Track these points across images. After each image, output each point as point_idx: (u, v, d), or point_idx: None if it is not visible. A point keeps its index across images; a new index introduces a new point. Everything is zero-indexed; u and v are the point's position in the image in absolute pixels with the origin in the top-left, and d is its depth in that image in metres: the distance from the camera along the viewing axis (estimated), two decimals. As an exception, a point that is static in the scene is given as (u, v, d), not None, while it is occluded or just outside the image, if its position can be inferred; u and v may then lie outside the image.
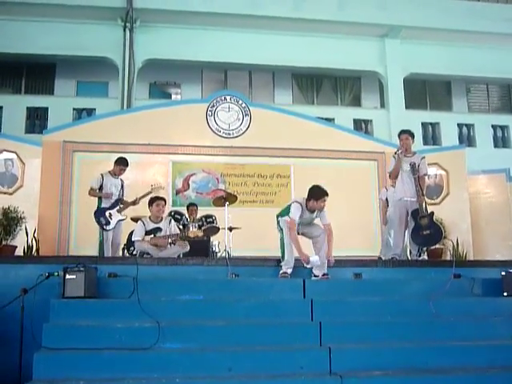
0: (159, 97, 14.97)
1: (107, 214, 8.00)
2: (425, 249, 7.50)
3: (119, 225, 8.02)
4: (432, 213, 7.23)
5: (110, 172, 8.23)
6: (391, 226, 8.26)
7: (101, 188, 8.08)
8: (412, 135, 7.54)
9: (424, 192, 7.31)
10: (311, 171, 11.39)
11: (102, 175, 8.14)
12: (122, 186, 8.31)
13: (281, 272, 6.10)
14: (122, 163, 8.25)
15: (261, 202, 11.62)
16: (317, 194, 6.38)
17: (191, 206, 9.44)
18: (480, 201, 11.70)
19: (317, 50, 14.73)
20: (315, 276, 6.12)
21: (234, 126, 11.76)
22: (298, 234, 6.43)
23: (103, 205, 8.07)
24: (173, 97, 15.59)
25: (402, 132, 7.59)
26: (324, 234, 6.37)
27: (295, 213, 6.25)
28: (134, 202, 8.04)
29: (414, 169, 7.16)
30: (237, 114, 11.83)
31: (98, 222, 7.98)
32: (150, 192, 8.21)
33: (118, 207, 8.08)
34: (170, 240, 7.21)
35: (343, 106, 15.98)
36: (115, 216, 7.98)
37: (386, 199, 8.81)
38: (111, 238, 7.98)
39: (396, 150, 7.53)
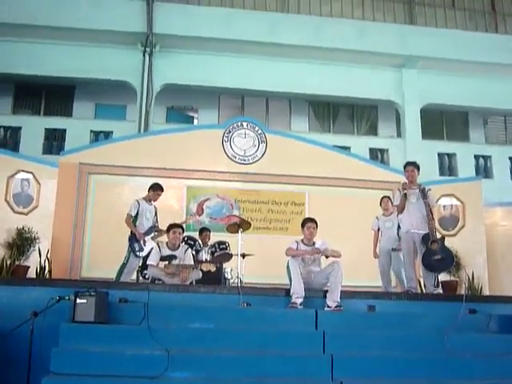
0: (176, 121, 15.05)
1: (141, 240, 7.98)
2: (440, 281, 7.37)
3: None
4: (443, 237, 7.21)
5: (144, 198, 8.23)
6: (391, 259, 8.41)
7: (137, 215, 8.07)
8: (417, 167, 7.51)
9: (433, 217, 7.27)
10: (326, 199, 11.38)
11: (137, 201, 8.13)
12: (156, 213, 8.32)
13: (290, 302, 6.03)
14: (158, 188, 8.27)
15: (275, 229, 11.55)
16: (302, 222, 6.83)
17: (204, 232, 9.38)
18: (496, 233, 11.55)
19: (334, 79, 14.78)
20: (328, 307, 6.02)
21: (250, 152, 11.77)
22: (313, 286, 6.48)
23: (138, 229, 8.03)
24: (190, 122, 15.66)
25: (408, 164, 7.59)
26: (336, 266, 6.26)
27: (291, 245, 6.64)
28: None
29: (424, 193, 7.13)
30: (253, 141, 11.85)
31: (131, 246, 7.93)
32: (185, 222, 8.26)
33: (152, 234, 8.07)
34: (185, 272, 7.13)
35: (359, 134, 15.96)
36: (149, 243, 7.95)
37: (378, 229, 8.75)
38: (135, 264, 7.95)
39: (401, 185, 7.50)
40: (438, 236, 7.20)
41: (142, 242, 7.94)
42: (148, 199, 8.24)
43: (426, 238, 7.03)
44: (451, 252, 7.25)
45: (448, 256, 7.09)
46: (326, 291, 6.21)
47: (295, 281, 6.12)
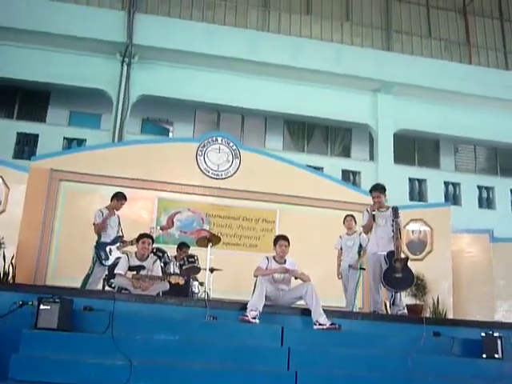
0: (151, 133, 15.01)
1: (107, 249, 7.92)
2: (403, 303, 7.43)
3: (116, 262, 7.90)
4: (407, 257, 7.24)
5: (107, 207, 8.18)
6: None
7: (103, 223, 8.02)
8: (383, 191, 7.48)
9: (400, 236, 7.31)
10: (297, 218, 11.40)
11: (100, 210, 8.09)
12: (119, 223, 8.28)
13: (243, 314, 5.85)
14: (122, 197, 8.25)
15: (244, 246, 11.53)
16: (275, 239, 6.80)
17: (184, 248, 9.32)
18: (462, 260, 11.70)
19: (310, 99, 14.95)
20: (320, 325, 5.88)
21: (223, 167, 11.77)
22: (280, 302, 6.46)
23: (104, 239, 7.99)
24: (165, 134, 15.62)
25: (373, 189, 7.53)
26: (310, 288, 6.19)
27: (261, 264, 6.61)
28: (132, 243, 7.79)
29: (396, 212, 7.18)
30: (227, 156, 11.85)
31: (98, 255, 7.87)
32: (151, 232, 8.21)
33: (118, 244, 8.01)
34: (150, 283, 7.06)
35: (333, 155, 16.12)
36: (115, 252, 7.90)
37: (341, 248, 8.74)
38: (101, 274, 7.87)
39: (369, 206, 7.53)
40: (403, 256, 7.25)
41: (108, 251, 7.90)
42: (111, 208, 8.20)
43: (391, 256, 7.09)
44: (412, 272, 7.29)
45: (408, 276, 7.14)
46: (295, 309, 6.22)
47: (256, 295, 6.00)
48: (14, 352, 4.59)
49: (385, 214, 7.34)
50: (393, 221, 7.16)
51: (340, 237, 8.83)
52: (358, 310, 7.89)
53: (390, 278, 7.02)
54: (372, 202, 7.51)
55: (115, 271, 7.10)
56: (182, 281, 7.14)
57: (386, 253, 7.14)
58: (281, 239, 6.73)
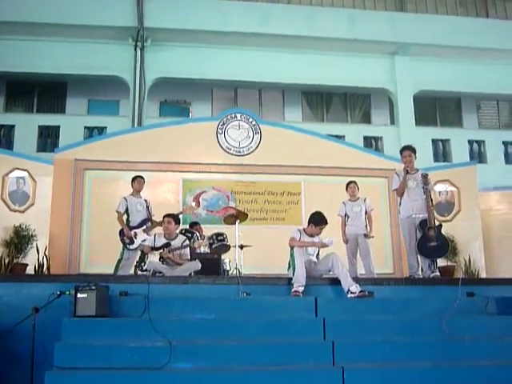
0: (170, 115, 14.99)
1: (132, 233, 8.05)
2: (437, 265, 7.40)
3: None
4: (440, 225, 7.18)
5: (131, 194, 8.37)
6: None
7: (128, 211, 8.23)
8: (414, 151, 7.46)
9: (432, 204, 7.27)
10: (321, 188, 11.38)
11: (124, 198, 8.33)
12: (148, 206, 8.43)
13: (292, 290, 6.06)
14: (138, 177, 8.50)
15: (271, 220, 11.58)
16: (317, 220, 6.73)
17: (195, 225, 9.43)
18: (492, 218, 11.61)
19: (326, 68, 14.77)
20: (352, 293, 5.96)
21: (245, 143, 11.77)
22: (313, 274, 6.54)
23: (131, 224, 8.18)
24: (184, 114, 15.63)
25: (404, 148, 7.51)
26: (334, 259, 6.32)
27: (295, 234, 6.66)
28: (161, 223, 7.87)
29: (426, 179, 7.13)
30: (247, 132, 11.85)
31: (122, 240, 8.05)
32: (181, 212, 8.36)
33: (144, 227, 8.14)
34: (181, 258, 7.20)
35: (353, 123, 15.96)
36: (140, 235, 8.03)
37: (346, 214, 8.60)
38: (133, 258, 8.01)
39: (403, 169, 7.45)
40: (436, 223, 7.21)
41: (132, 235, 8.10)
42: (135, 192, 8.38)
43: (423, 224, 7.05)
44: (447, 240, 7.29)
45: (443, 243, 7.12)
46: (327, 279, 6.30)
47: (299, 269, 6.15)
48: (57, 341, 4.72)
49: (415, 175, 7.28)
50: (423, 188, 7.10)
51: (344, 203, 8.68)
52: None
53: (425, 247, 7.00)
54: (402, 166, 7.47)
55: (141, 242, 7.36)
56: (205, 244, 7.40)
57: (421, 216, 7.10)
58: (324, 223, 6.70)
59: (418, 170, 7.41)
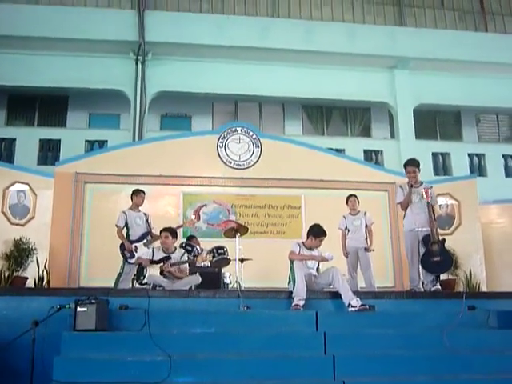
0: (170, 128, 15.01)
1: (133, 246, 8.05)
2: (439, 279, 7.37)
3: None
4: (444, 240, 7.15)
5: (130, 208, 8.38)
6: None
7: (127, 225, 8.24)
8: (418, 165, 7.40)
9: (435, 218, 7.25)
10: (322, 202, 11.36)
11: (124, 212, 8.33)
12: (147, 219, 8.43)
13: (293, 304, 6.05)
14: (138, 191, 8.49)
15: (272, 233, 11.55)
16: (316, 232, 6.77)
17: (192, 239, 9.44)
18: (492, 231, 11.59)
19: (326, 82, 14.83)
20: (352, 307, 5.95)
21: (245, 157, 11.78)
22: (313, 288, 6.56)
23: (131, 238, 8.18)
24: (185, 128, 15.66)
25: (409, 164, 7.42)
26: (335, 273, 6.33)
27: (294, 248, 6.70)
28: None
29: (427, 194, 7.09)
30: (247, 146, 11.87)
31: (123, 254, 8.05)
32: (181, 226, 8.34)
33: (145, 240, 8.14)
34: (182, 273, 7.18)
35: (353, 136, 16.00)
36: (140, 249, 8.03)
37: (346, 228, 8.63)
38: (134, 272, 7.99)
39: (407, 183, 7.43)
40: (440, 238, 7.18)
41: (133, 249, 8.07)
42: (135, 206, 8.38)
43: (427, 239, 7.04)
44: (450, 255, 7.26)
45: (447, 259, 7.09)
46: (328, 293, 6.30)
47: (299, 283, 6.15)
48: (56, 355, 4.70)
49: (419, 189, 7.25)
50: (427, 202, 7.08)
51: (344, 217, 8.72)
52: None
53: (428, 262, 6.97)
54: (402, 180, 7.46)
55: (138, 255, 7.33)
56: (208, 259, 7.37)
57: (424, 230, 7.08)
58: (323, 235, 6.76)
59: (422, 183, 7.38)
